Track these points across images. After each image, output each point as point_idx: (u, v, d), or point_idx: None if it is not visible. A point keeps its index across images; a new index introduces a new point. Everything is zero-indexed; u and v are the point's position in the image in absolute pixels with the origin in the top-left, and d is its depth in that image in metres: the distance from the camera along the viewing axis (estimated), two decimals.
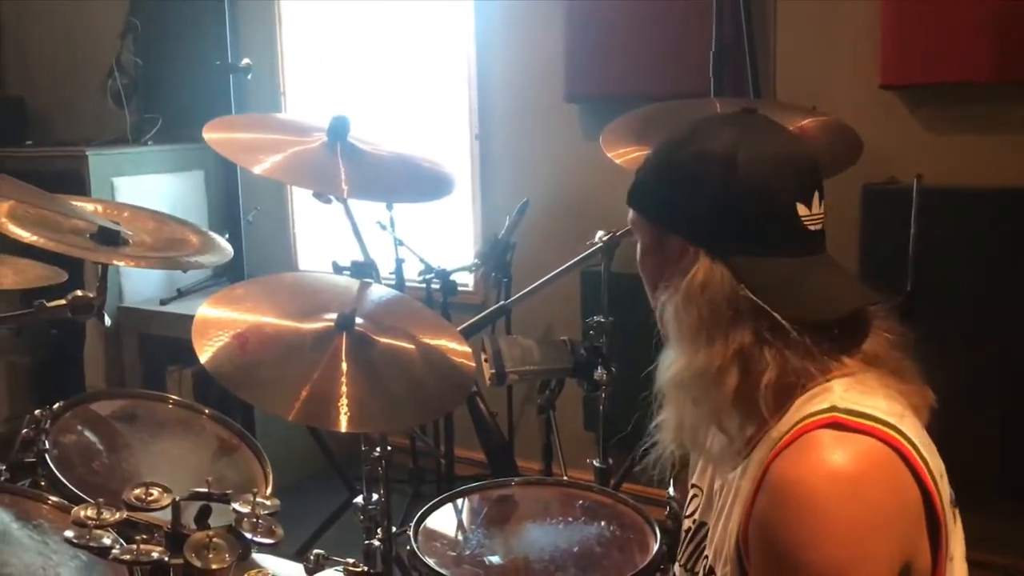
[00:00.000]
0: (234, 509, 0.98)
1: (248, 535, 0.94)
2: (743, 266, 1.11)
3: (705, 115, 1.24)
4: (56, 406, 1.77)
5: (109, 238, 1.65)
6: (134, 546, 0.89)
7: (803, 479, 1.03)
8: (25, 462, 1.63)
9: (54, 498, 1.55)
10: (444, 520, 1.99)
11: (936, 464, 1.10)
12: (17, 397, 4.44)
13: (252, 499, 0.99)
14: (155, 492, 0.97)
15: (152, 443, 1.92)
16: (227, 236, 2.72)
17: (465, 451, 3.51)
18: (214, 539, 0.90)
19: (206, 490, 0.98)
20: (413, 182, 2.17)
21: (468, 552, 1.86)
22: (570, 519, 1.98)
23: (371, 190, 2.09)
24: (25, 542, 1.46)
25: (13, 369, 4.47)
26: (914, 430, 1.09)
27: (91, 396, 1.94)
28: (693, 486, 1.36)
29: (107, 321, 1.71)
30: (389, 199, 2.69)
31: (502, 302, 2.20)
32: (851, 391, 1.10)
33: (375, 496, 2.36)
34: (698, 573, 1.26)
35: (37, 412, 1.70)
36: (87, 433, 1.82)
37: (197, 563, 0.88)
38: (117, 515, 0.94)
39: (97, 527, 0.92)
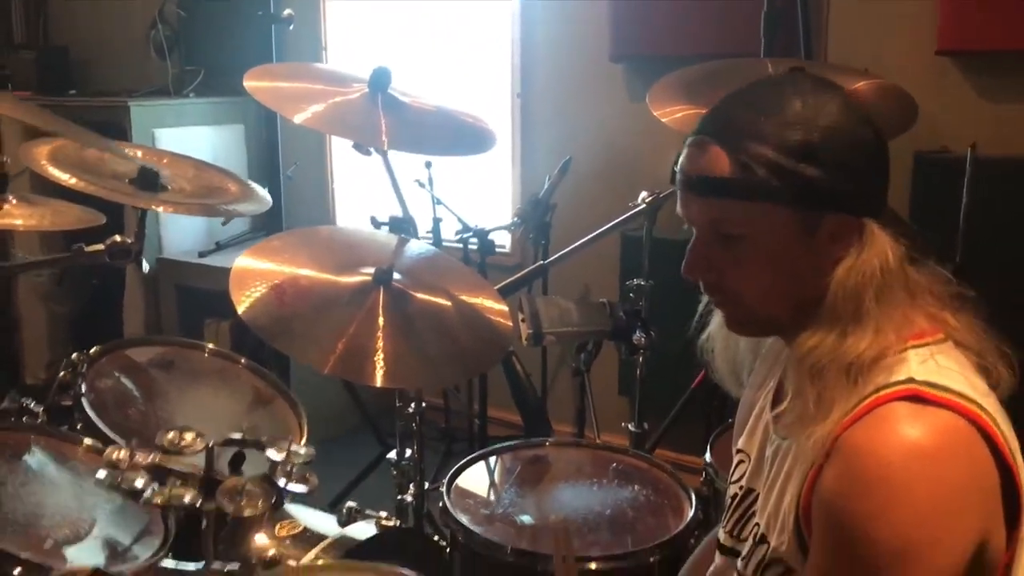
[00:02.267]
0: (268, 456, 0.97)
1: (282, 482, 0.93)
2: (896, 232, 1.10)
3: (787, 83, 1.14)
4: (93, 351, 1.78)
5: (149, 183, 1.64)
6: (166, 489, 0.88)
7: (877, 452, 1.00)
8: (62, 405, 1.64)
9: (89, 441, 1.56)
10: (477, 478, 1.99)
11: (1014, 442, 1.05)
12: (57, 345, 4.49)
13: (287, 447, 0.97)
14: (188, 437, 0.96)
15: (188, 391, 1.93)
16: (266, 190, 2.71)
17: (498, 411, 3.50)
18: (247, 486, 0.89)
19: (240, 436, 0.96)
20: (453, 136, 2.14)
21: (500, 511, 1.85)
22: (604, 482, 1.97)
23: (411, 142, 2.05)
24: (61, 484, 1.48)
25: (53, 317, 4.52)
26: (993, 403, 1.06)
27: (128, 342, 1.94)
28: (739, 451, 1.33)
29: (145, 267, 1.70)
30: (428, 151, 2.66)
31: (541, 262, 2.16)
32: (928, 362, 1.06)
33: (408, 452, 2.36)
34: (746, 539, 1.23)
35: (74, 356, 1.70)
36: (123, 379, 1.82)
37: (229, 508, 0.87)
38: (150, 458, 0.93)
39: (129, 469, 0.91)
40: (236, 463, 0.96)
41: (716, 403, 2.93)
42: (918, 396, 1.02)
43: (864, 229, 1.09)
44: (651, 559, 1.70)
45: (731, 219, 1.12)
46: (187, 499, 0.89)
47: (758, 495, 1.23)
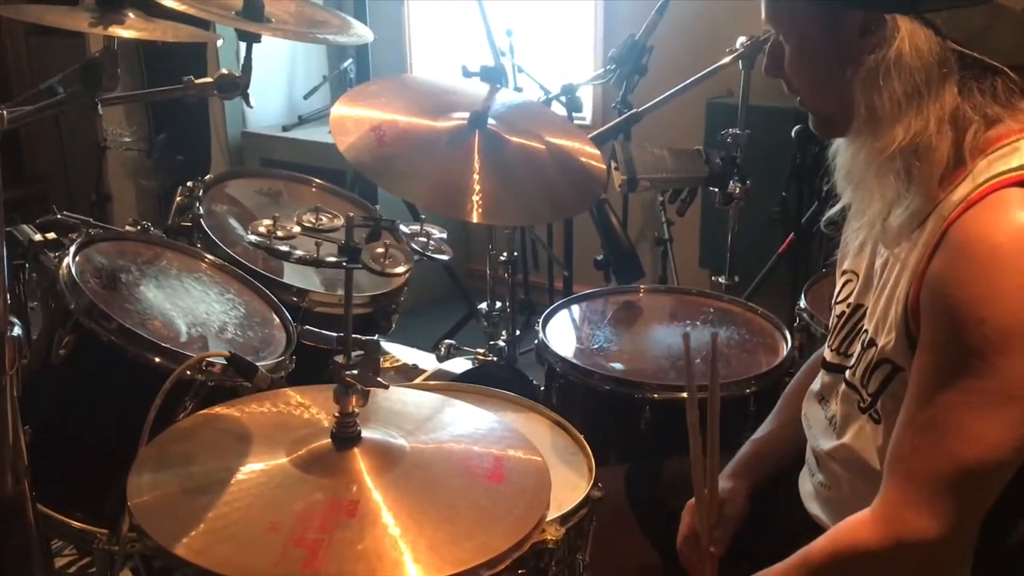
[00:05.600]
0: (402, 231, 1.01)
1: (422, 247, 0.97)
2: (943, 21, 1.06)
3: None
4: (208, 177, 1.84)
5: (255, 13, 1.66)
6: (317, 247, 0.93)
7: (988, 236, 1.00)
8: (181, 225, 1.70)
9: (211, 257, 1.63)
10: (571, 320, 2.03)
11: None
12: (145, 219, 4.60)
13: (419, 225, 1.02)
14: (324, 217, 1.00)
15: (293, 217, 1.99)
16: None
17: (580, 287, 3.51)
18: (391, 249, 0.93)
19: (374, 218, 1.00)
20: None
21: (596, 347, 1.90)
22: (698, 323, 1.99)
23: None
24: (191, 291, 1.55)
25: (142, 192, 4.65)
26: None
27: (240, 172, 2.00)
28: (845, 272, 1.33)
29: (252, 102, 1.73)
30: None
31: (634, 110, 2.14)
32: None
33: (498, 304, 2.41)
34: (852, 353, 1.23)
35: (190, 183, 1.76)
36: (235, 205, 1.88)
37: (376, 268, 0.91)
38: (293, 230, 0.97)
39: (276, 238, 0.96)
40: (373, 239, 1.00)
41: (800, 269, 2.92)
42: None
43: (888, 25, 1.07)
44: (747, 391, 1.73)
45: (774, 19, 1.19)
46: (331, 260, 0.93)
47: (866, 310, 1.24)
